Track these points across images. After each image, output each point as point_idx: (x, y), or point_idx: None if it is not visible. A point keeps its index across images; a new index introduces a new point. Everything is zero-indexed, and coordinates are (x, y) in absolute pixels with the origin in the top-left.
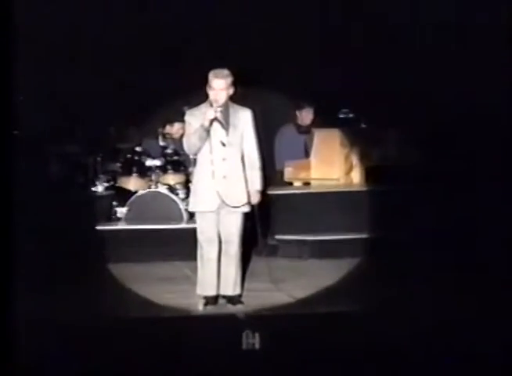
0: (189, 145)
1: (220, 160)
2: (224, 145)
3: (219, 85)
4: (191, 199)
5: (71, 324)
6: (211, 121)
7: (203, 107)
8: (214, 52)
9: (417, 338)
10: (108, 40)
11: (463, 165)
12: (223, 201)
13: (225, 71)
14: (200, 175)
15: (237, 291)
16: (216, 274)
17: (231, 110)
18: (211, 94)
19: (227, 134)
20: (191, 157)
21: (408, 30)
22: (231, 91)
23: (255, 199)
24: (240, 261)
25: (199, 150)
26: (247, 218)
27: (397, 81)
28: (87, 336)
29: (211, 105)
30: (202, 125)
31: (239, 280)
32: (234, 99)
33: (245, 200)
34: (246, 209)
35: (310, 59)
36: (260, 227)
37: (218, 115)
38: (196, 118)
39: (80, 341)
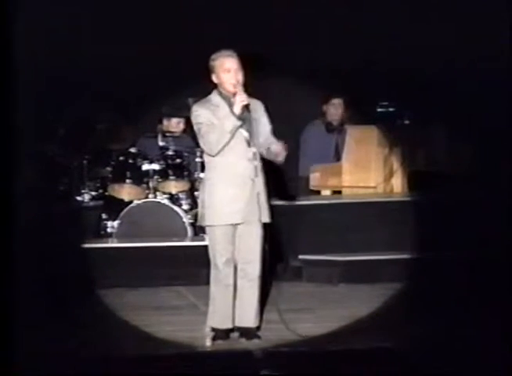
0: (216, 140)
1: (245, 159)
2: (249, 143)
3: (234, 64)
4: (207, 210)
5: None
6: (246, 107)
7: (213, 98)
8: (220, 32)
9: None
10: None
11: None
12: (252, 210)
13: (230, 51)
14: (221, 180)
15: (258, 323)
16: (232, 302)
17: None
18: (228, 77)
19: (248, 129)
20: (197, 159)
21: None
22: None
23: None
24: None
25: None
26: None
27: (447, 68)
28: None
29: (220, 93)
30: (233, 113)
31: (259, 308)
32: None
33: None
34: (268, 220)
35: (339, 40)
36: (279, 245)
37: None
38: (208, 111)
39: None
